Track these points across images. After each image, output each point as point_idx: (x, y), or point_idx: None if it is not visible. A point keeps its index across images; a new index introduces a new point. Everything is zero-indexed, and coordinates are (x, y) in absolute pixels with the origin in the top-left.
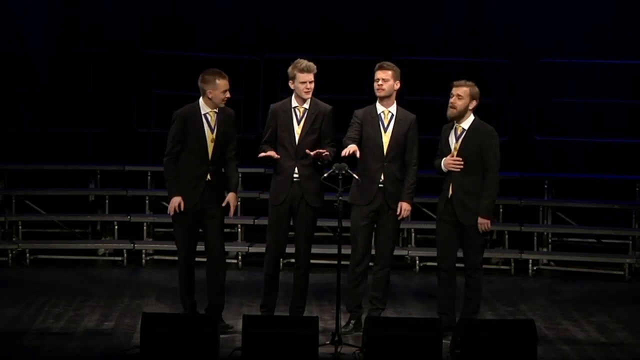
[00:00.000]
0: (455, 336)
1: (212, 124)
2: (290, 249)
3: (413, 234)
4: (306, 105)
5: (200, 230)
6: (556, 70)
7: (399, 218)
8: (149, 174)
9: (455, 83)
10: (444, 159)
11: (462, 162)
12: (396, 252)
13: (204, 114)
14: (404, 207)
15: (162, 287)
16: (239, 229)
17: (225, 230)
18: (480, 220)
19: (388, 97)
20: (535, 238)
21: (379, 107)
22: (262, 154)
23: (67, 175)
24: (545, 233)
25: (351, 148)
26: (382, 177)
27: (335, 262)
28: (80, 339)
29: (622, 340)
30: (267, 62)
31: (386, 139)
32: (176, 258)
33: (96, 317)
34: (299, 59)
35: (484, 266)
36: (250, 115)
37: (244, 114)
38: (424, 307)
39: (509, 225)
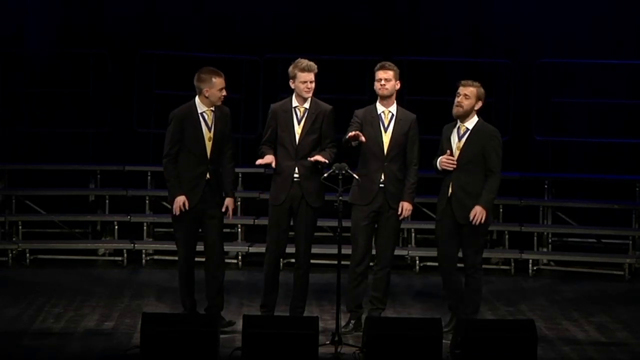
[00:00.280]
0: (455, 336)
1: (210, 123)
2: (290, 249)
3: (413, 234)
4: (306, 105)
5: (200, 230)
6: (556, 70)
7: (400, 218)
8: (149, 174)
9: (462, 82)
10: (439, 157)
11: (455, 162)
12: (396, 252)
13: (201, 113)
14: (405, 207)
15: (162, 287)
16: (239, 229)
17: (225, 230)
18: (477, 208)
19: (389, 97)
20: (535, 238)
21: (379, 107)
22: (260, 161)
23: (67, 175)
24: (545, 233)
25: (354, 132)
26: (383, 177)
27: (335, 262)
28: (80, 339)
29: (622, 340)
30: (267, 62)
31: (386, 138)
32: (176, 258)
33: (96, 317)
34: (300, 59)
35: (484, 266)
36: (250, 115)
37: (244, 114)
38: (424, 307)
39: (509, 225)
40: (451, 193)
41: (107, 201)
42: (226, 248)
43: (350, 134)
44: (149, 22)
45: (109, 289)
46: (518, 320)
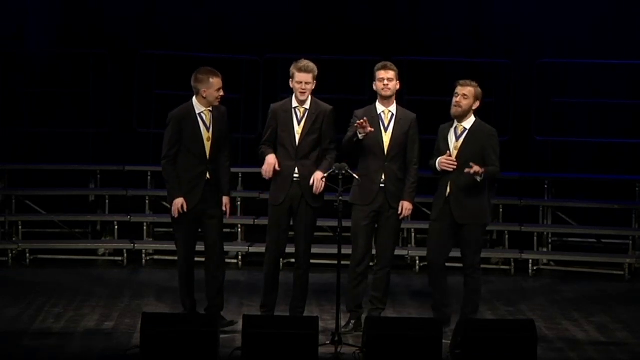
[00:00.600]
0: (455, 336)
1: (208, 123)
2: (290, 249)
3: (413, 234)
4: (307, 106)
5: (200, 230)
6: (556, 70)
7: (401, 217)
8: (149, 174)
9: (460, 82)
10: (438, 158)
11: (456, 163)
12: (396, 252)
13: (199, 113)
14: (406, 207)
15: (162, 287)
16: (239, 229)
17: (225, 230)
18: (479, 168)
19: (391, 96)
20: (535, 238)
21: (379, 107)
22: (266, 169)
23: (67, 175)
24: (545, 233)
25: (361, 120)
26: (383, 177)
27: (335, 262)
28: (80, 339)
29: (622, 340)
30: (267, 62)
31: (387, 138)
32: (176, 258)
33: (96, 317)
34: (302, 59)
35: (484, 266)
36: (250, 115)
37: (243, 114)
38: (424, 307)
39: (509, 225)
40: (449, 193)
41: (107, 201)
42: (226, 248)
43: (357, 122)
44: (149, 22)
45: (109, 289)
46: (518, 320)
